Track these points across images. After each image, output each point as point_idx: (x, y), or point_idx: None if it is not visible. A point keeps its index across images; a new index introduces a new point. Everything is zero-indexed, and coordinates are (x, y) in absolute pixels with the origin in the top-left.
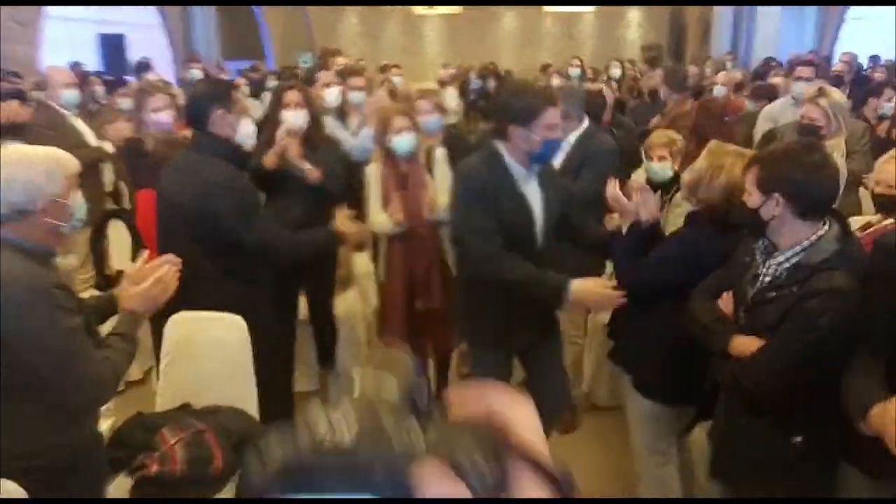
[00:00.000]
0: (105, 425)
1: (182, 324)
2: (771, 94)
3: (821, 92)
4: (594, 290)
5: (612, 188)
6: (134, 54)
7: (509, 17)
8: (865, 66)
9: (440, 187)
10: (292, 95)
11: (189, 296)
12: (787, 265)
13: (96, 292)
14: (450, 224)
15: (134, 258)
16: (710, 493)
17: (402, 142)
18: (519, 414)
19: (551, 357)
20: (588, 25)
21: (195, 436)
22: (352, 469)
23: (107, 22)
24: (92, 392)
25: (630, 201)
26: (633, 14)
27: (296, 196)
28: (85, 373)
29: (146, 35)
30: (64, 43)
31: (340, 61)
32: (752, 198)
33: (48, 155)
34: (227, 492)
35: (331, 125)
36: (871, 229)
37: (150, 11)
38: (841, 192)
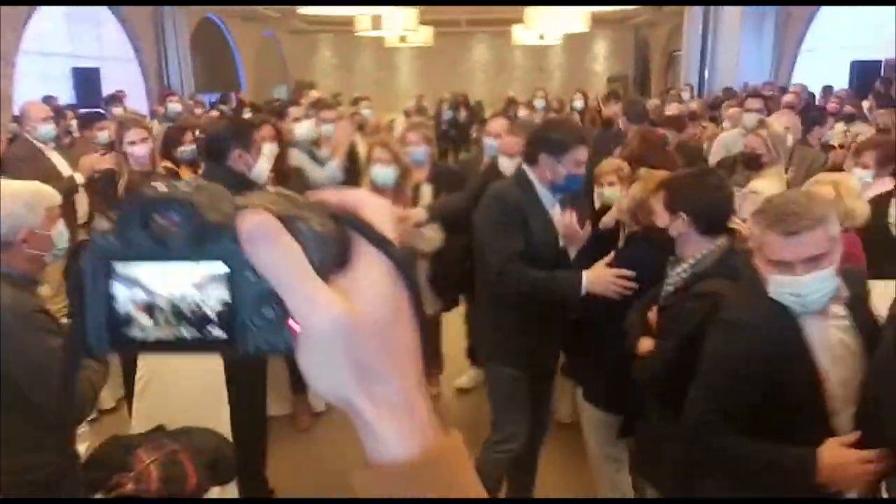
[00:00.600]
0: (80, 449)
1: None
2: (679, 125)
3: (761, 124)
4: (604, 275)
5: (568, 218)
6: (108, 87)
7: (480, 49)
8: (819, 96)
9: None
10: (265, 130)
11: None
12: (683, 275)
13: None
14: (477, 241)
15: None
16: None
17: (381, 173)
18: (374, 206)
19: (553, 383)
20: (556, 57)
21: (169, 456)
22: (184, 204)
23: (81, 56)
24: (71, 410)
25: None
26: (600, 46)
27: None
28: (64, 389)
29: (121, 68)
30: (38, 77)
31: (314, 94)
32: (661, 217)
33: (29, 189)
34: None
35: (298, 157)
36: None
37: (125, 45)
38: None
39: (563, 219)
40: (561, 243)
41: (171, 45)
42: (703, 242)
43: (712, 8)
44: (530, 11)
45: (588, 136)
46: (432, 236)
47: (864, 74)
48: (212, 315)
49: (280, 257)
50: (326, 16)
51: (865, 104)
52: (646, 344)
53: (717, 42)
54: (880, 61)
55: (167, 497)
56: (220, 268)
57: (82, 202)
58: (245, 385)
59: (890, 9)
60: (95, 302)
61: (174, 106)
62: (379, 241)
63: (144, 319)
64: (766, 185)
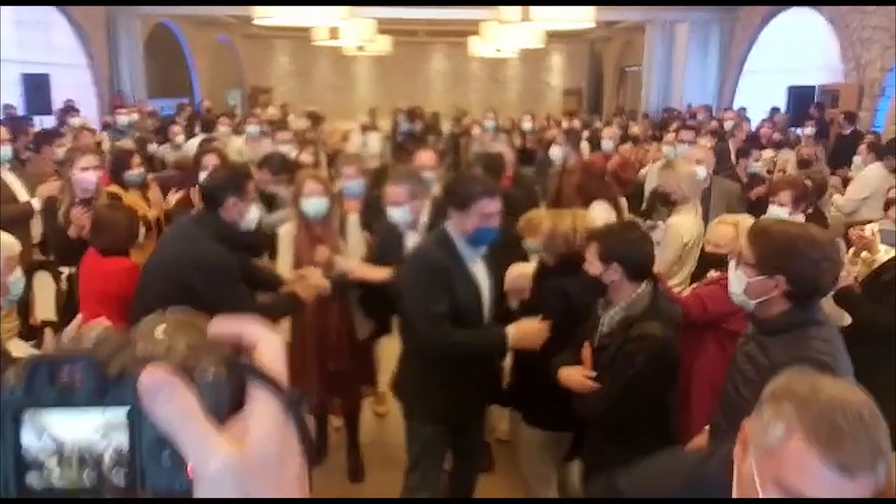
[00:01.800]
0: None
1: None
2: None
3: (667, 164)
4: (528, 329)
5: (513, 273)
6: (58, 93)
7: (438, 58)
8: (766, 117)
9: (353, 252)
10: (210, 158)
11: None
12: (616, 318)
13: (20, 341)
14: (401, 302)
15: (58, 308)
16: None
17: (313, 205)
18: (267, 342)
19: (479, 433)
20: (513, 69)
21: None
22: (90, 363)
23: (30, 62)
24: None
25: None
26: (556, 59)
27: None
28: None
29: (71, 74)
30: None
31: (271, 110)
32: (594, 266)
33: None
34: None
35: None
36: (701, 283)
37: (76, 51)
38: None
39: (507, 275)
40: (484, 302)
41: (124, 50)
42: (629, 287)
43: (668, 25)
44: (486, 26)
45: (493, 186)
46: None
47: (800, 99)
48: (113, 461)
49: (175, 410)
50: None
51: (807, 130)
52: (585, 382)
53: (669, 60)
54: (814, 87)
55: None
56: (121, 415)
57: (36, 222)
58: None
59: (828, 33)
60: (4, 450)
61: (122, 119)
62: (269, 383)
63: (52, 465)
64: (681, 220)
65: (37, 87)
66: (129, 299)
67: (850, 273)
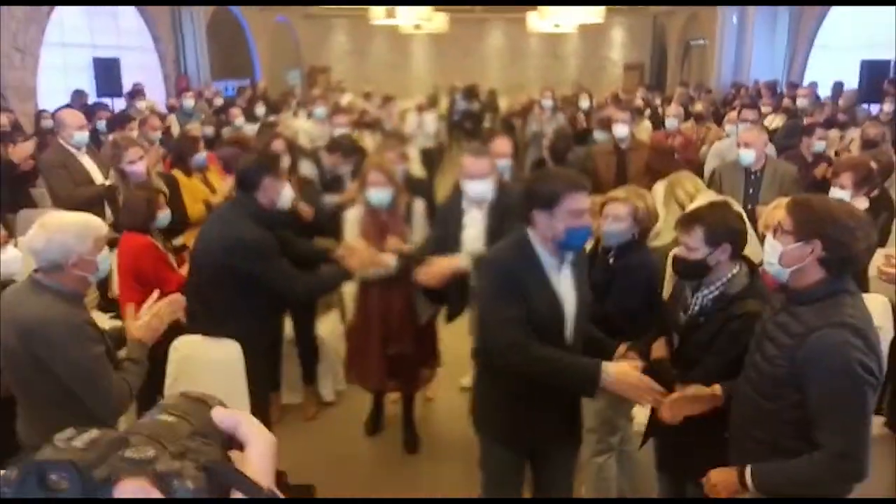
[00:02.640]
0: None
1: (184, 346)
2: (606, 126)
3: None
4: (630, 376)
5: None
6: (127, 76)
7: (495, 35)
8: (830, 94)
9: (419, 238)
10: (278, 143)
11: (198, 323)
12: (711, 296)
13: (99, 313)
14: (477, 309)
15: None
16: None
17: (377, 195)
18: (257, 442)
19: (563, 466)
20: (572, 45)
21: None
22: (76, 469)
23: (100, 46)
24: (113, 404)
25: None
26: (617, 34)
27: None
28: (108, 389)
29: (139, 57)
30: (60, 68)
31: (347, 99)
32: (699, 251)
33: (79, 220)
34: None
35: (306, 167)
36: None
37: (143, 35)
38: None
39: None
40: (568, 318)
41: (189, 34)
42: (730, 266)
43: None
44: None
45: (582, 179)
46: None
47: (874, 74)
48: None
49: None
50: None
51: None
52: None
53: (736, 34)
54: (889, 61)
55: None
56: None
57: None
58: (257, 380)
59: None
60: None
61: (188, 102)
62: (249, 490)
63: None
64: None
65: (107, 71)
66: (142, 274)
67: None
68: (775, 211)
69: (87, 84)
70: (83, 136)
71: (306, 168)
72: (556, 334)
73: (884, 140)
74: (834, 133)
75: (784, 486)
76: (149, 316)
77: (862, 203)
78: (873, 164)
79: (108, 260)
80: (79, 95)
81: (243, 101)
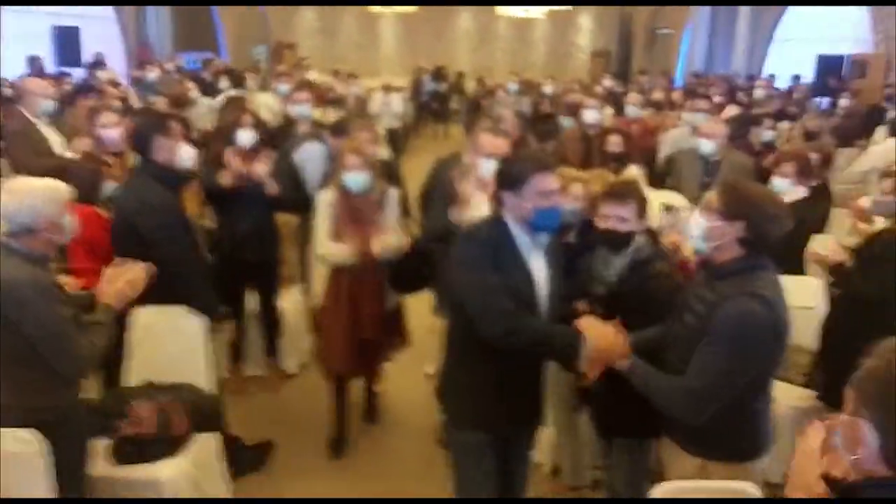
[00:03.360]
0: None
1: (146, 314)
2: (573, 111)
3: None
4: (607, 338)
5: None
6: (87, 46)
7: (464, 17)
8: (788, 85)
9: (389, 225)
10: (246, 118)
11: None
12: (625, 265)
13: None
14: (451, 289)
15: None
16: None
17: (354, 179)
18: None
19: (527, 444)
20: (540, 29)
21: (161, 404)
22: None
23: (60, 14)
24: (79, 364)
25: None
26: (585, 19)
27: (248, 208)
28: (74, 349)
29: (100, 26)
30: (19, 36)
31: (314, 76)
32: (631, 223)
33: (48, 186)
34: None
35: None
36: None
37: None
38: None
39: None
40: (540, 301)
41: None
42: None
43: None
44: None
45: (548, 159)
46: (396, 243)
47: (828, 68)
48: None
49: None
50: None
51: (842, 101)
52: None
53: (702, 24)
54: (843, 56)
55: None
56: None
57: None
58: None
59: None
60: None
61: (151, 75)
62: None
63: None
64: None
65: (67, 40)
66: (96, 244)
67: (845, 247)
68: None
69: (46, 52)
70: (48, 105)
71: (313, 149)
72: (531, 310)
73: (823, 133)
74: (784, 125)
75: (644, 388)
76: (122, 282)
77: (800, 192)
78: (813, 156)
79: (73, 224)
80: (34, 61)
81: (209, 73)
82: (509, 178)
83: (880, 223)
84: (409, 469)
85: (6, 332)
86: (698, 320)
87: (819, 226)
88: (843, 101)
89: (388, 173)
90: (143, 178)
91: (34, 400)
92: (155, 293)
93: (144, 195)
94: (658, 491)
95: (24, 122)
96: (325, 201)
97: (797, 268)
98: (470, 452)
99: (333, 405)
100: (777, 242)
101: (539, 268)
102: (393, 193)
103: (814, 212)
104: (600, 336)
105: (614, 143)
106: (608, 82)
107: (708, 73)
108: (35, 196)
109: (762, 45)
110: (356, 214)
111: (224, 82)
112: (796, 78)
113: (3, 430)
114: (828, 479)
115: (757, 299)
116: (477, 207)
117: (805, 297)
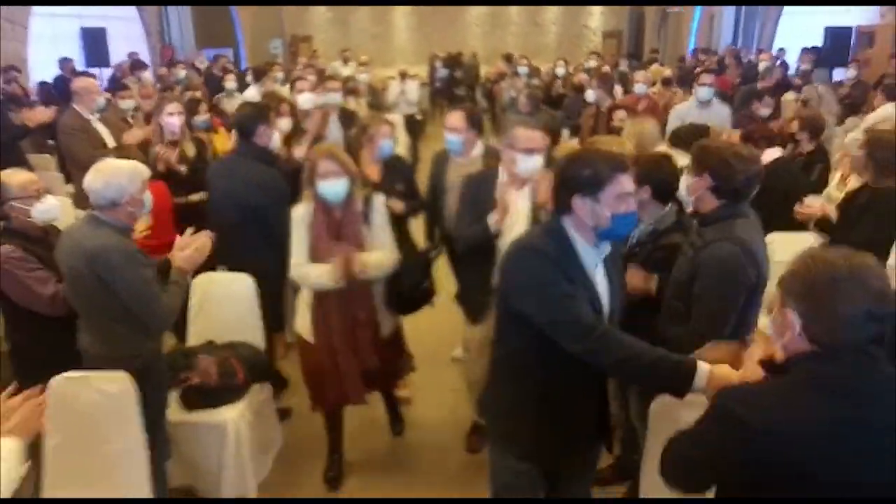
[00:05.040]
0: None
1: (205, 281)
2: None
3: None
4: (731, 377)
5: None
6: (113, 46)
7: (476, 3)
8: (797, 59)
9: (377, 238)
10: (284, 107)
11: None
12: (645, 232)
13: None
14: (505, 307)
15: None
16: None
17: (330, 188)
18: None
19: (582, 481)
20: (552, 13)
21: (223, 358)
22: None
23: (83, 16)
24: (162, 318)
25: None
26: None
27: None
28: (157, 304)
29: (124, 27)
30: (49, 38)
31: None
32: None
33: (129, 165)
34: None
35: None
36: None
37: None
38: None
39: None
40: (604, 311)
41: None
42: (658, 206)
43: None
44: None
45: (626, 159)
46: (383, 264)
47: (837, 40)
48: None
49: None
50: None
51: (849, 73)
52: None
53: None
54: (851, 28)
55: (221, 388)
56: None
57: None
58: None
59: None
60: None
61: (180, 73)
62: None
63: None
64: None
65: (95, 41)
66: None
67: (831, 201)
68: None
69: (76, 53)
70: (101, 101)
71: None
72: None
73: (822, 101)
74: (790, 95)
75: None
76: (191, 249)
77: (774, 153)
78: (794, 125)
79: (151, 199)
80: (66, 62)
81: (219, 69)
82: (584, 182)
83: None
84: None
85: (100, 292)
86: (688, 263)
87: (820, 186)
88: (850, 73)
89: (403, 173)
90: (246, 158)
91: (123, 350)
92: (251, 255)
93: (247, 172)
94: (654, 405)
95: (80, 119)
96: (298, 216)
97: (799, 227)
98: (512, 481)
99: (329, 437)
100: (747, 189)
101: (602, 280)
102: (379, 201)
103: (808, 175)
104: (723, 375)
105: (619, 118)
106: (624, 64)
107: (739, 48)
108: (120, 175)
109: (772, 18)
110: (336, 229)
111: (231, 82)
112: (804, 51)
113: (99, 373)
114: (763, 362)
115: (734, 242)
116: (516, 210)
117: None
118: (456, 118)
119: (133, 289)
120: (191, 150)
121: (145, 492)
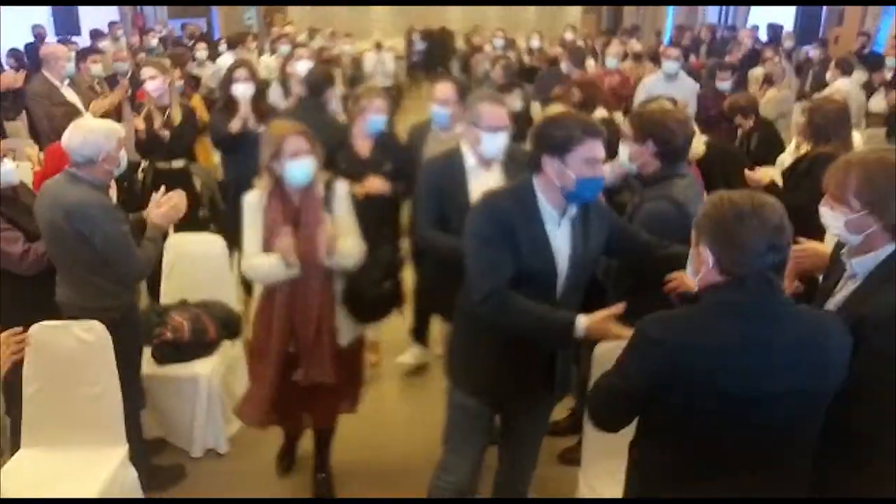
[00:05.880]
0: None
1: (179, 242)
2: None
3: None
4: (602, 324)
5: None
6: (84, 12)
7: None
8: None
9: (340, 228)
10: (241, 72)
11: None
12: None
13: None
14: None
15: None
16: None
17: (300, 169)
18: None
19: (533, 423)
20: None
21: (194, 315)
22: None
23: None
24: (137, 270)
25: None
26: None
27: (253, 153)
28: (133, 258)
29: None
30: (16, 8)
31: (287, 29)
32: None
33: (105, 124)
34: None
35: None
36: None
37: None
38: None
39: None
40: (560, 275)
41: None
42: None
43: None
44: None
45: (598, 125)
46: (351, 252)
47: (809, 16)
48: None
49: None
50: None
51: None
52: None
53: None
54: (822, 7)
55: (193, 343)
56: None
57: None
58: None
59: None
60: None
61: (153, 41)
62: None
63: None
64: None
65: (65, 9)
66: None
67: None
68: None
69: (45, 20)
70: (70, 68)
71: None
72: (546, 289)
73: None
74: (758, 70)
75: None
76: (166, 207)
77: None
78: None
79: (124, 159)
80: (37, 29)
81: (187, 36)
82: (554, 142)
83: None
84: None
85: (79, 245)
86: (627, 219)
87: (758, 158)
88: (815, 51)
89: (397, 154)
90: (317, 110)
91: (100, 301)
92: None
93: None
94: (596, 351)
95: (47, 85)
96: (251, 204)
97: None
98: (464, 416)
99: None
100: (685, 150)
101: (563, 240)
102: (342, 187)
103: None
104: (598, 325)
105: (575, 94)
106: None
107: (693, 26)
108: (97, 132)
109: None
110: (294, 216)
111: (202, 51)
112: (771, 27)
113: (77, 322)
114: (679, 295)
115: (667, 200)
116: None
117: None
118: (446, 89)
119: (110, 241)
120: (178, 117)
121: (120, 435)
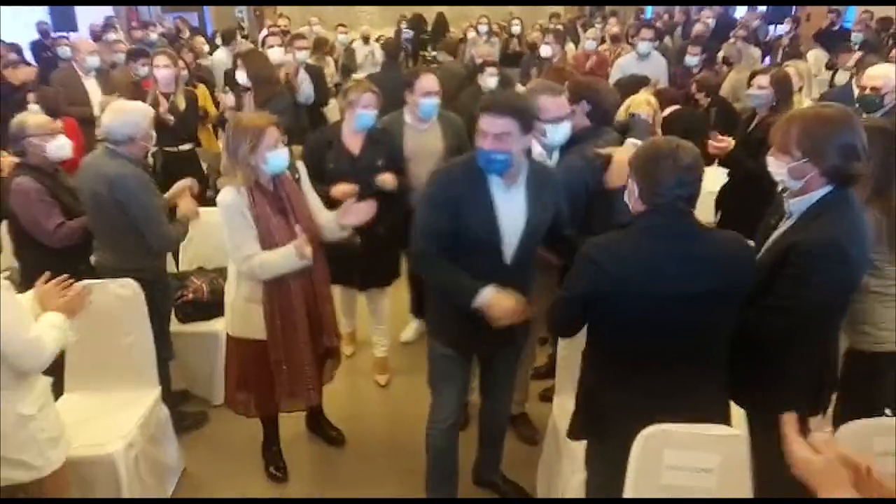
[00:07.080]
0: None
1: None
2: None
3: None
4: (502, 302)
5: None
6: (80, 10)
7: None
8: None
9: (315, 206)
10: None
11: None
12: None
13: None
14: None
15: None
16: None
17: (280, 158)
18: None
19: (504, 370)
20: None
21: (211, 279)
22: None
23: None
24: (166, 240)
25: None
26: None
27: None
28: (164, 229)
29: None
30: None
31: (281, 22)
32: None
33: (139, 105)
34: None
35: None
36: None
37: None
38: None
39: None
40: (505, 238)
41: None
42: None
43: None
44: None
45: (498, 103)
46: (332, 222)
47: None
48: None
49: None
50: None
51: (781, 28)
52: None
53: None
54: None
55: (212, 303)
56: None
57: None
58: None
59: None
60: None
61: (153, 36)
62: None
63: None
64: None
65: (62, 7)
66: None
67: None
68: None
69: (42, 16)
70: (94, 60)
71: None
72: (494, 254)
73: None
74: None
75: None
76: (192, 203)
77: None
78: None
79: (154, 136)
80: (41, 25)
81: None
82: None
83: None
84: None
85: (117, 212)
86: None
87: (717, 126)
88: (785, 27)
89: (386, 143)
90: (396, 70)
91: (133, 263)
92: None
93: (391, 85)
94: None
95: (70, 75)
96: (230, 204)
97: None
98: (438, 363)
99: (266, 431)
100: (613, 112)
101: (512, 206)
102: (302, 168)
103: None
104: (501, 307)
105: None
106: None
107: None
108: (133, 113)
109: None
110: (281, 205)
111: (218, 40)
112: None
113: (111, 280)
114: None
115: (579, 156)
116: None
117: (708, 184)
118: (432, 80)
119: (145, 211)
120: (182, 103)
121: (153, 378)
